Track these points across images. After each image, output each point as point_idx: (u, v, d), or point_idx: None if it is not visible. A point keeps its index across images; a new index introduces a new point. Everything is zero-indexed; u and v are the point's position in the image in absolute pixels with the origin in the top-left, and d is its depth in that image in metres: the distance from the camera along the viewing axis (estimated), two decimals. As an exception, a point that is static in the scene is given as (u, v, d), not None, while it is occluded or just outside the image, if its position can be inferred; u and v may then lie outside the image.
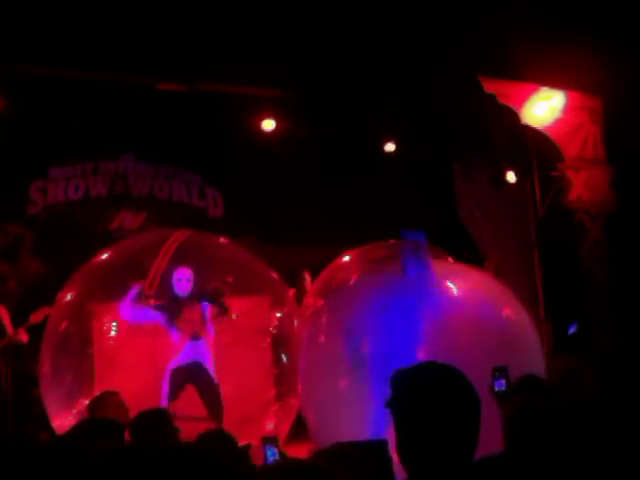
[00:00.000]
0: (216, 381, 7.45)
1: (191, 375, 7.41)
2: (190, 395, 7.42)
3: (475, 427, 2.20)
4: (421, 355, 6.10)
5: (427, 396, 2.22)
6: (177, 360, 7.44)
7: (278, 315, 7.97)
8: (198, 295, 7.62)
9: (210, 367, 7.48)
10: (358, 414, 6.08)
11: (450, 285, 6.69)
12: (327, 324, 6.85)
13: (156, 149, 10.17)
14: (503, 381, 5.00)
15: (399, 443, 2.25)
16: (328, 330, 6.77)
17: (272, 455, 4.78)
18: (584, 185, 10.24)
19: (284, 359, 7.86)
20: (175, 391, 7.26)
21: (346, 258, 7.87)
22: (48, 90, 9.07)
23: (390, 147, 10.73)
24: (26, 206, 9.89)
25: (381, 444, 5.35)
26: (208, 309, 7.62)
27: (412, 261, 6.76)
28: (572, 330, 5.03)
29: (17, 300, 8.71)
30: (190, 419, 6.22)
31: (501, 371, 5.05)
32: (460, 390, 2.23)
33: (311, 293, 7.92)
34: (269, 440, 4.91)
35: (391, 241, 7.63)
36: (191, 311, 7.53)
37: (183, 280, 7.58)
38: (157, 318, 7.53)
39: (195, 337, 7.49)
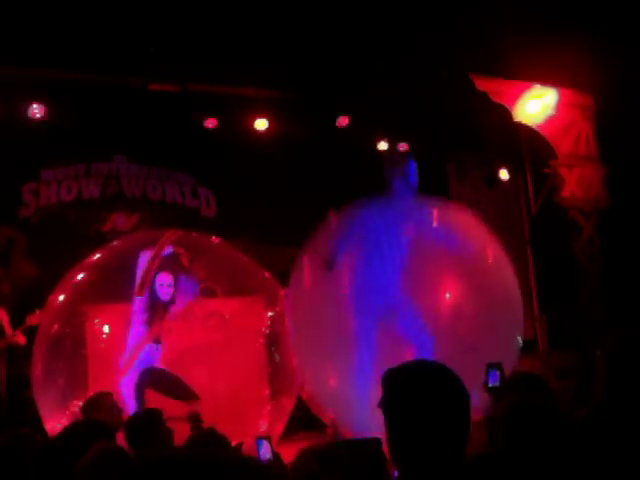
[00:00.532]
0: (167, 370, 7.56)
1: (153, 381, 7.43)
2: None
3: (466, 424, 2.22)
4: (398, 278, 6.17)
5: (418, 395, 2.23)
6: (141, 362, 7.44)
7: (270, 314, 7.96)
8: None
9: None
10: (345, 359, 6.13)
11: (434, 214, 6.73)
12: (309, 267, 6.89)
13: (149, 150, 10.15)
14: (497, 376, 4.98)
15: (391, 442, 2.26)
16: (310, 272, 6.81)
17: (265, 454, 4.77)
18: (577, 182, 10.26)
19: (277, 358, 7.86)
20: (142, 394, 7.28)
21: None
22: (40, 92, 9.06)
23: (383, 146, 10.74)
24: (19, 208, 9.86)
25: (376, 443, 5.36)
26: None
27: (398, 176, 6.77)
28: (493, 381, 4.98)
29: (11, 303, 8.67)
30: (180, 419, 6.22)
31: (494, 367, 5.03)
32: (450, 388, 2.25)
33: None
34: (262, 439, 4.91)
35: None
36: (164, 316, 7.59)
37: (165, 285, 7.62)
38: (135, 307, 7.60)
39: (157, 341, 7.56)
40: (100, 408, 5.53)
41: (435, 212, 6.76)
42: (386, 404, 2.29)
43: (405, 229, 6.51)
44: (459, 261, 6.57)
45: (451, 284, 6.65)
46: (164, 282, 7.60)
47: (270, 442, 4.92)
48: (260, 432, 5.30)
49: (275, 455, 4.91)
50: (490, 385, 4.95)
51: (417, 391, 2.24)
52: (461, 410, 2.23)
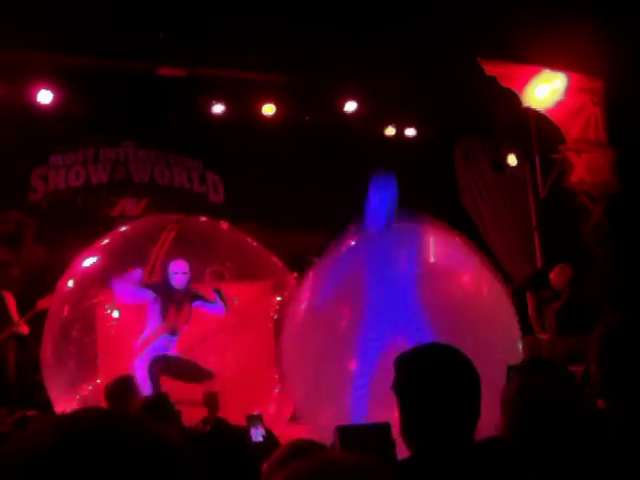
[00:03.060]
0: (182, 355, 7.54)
1: (167, 367, 7.39)
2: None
3: (476, 404, 2.25)
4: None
5: (429, 376, 2.26)
6: (154, 349, 7.39)
7: (279, 299, 7.98)
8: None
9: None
10: (340, 391, 6.11)
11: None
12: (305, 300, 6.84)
13: (157, 135, 10.17)
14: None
15: (404, 423, 2.29)
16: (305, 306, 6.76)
17: (257, 434, 4.82)
18: (586, 167, 10.22)
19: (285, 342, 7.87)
20: (157, 379, 7.23)
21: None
22: (49, 77, 9.08)
23: (391, 131, 10.73)
24: (28, 193, 9.90)
25: (384, 427, 5.38)
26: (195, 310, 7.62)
27: (375, 212, 6.72)
28: None
29: (20, 287, 8.72)
30: (187, 403, 6.24)
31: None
32: (460, 369, 2.28)
33: None
34: (254, 419, 4.95)
35: None
36: (181, 306, 7.50)
37: (179, 273, 7.51)
38: (145, 298, 7.50)
39: (173, 332, 7.47)
40: (131, 390, 5.54)
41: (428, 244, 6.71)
42: (398, 386, 2.33)
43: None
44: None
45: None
46: (178, 270, 7.53)
47: (262, 421, 4.96)
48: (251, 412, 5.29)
49: (268, 433, 4.94)
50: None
51: (428, 372, 2.28)
52: (471, 391, 2.27)
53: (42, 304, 7.88)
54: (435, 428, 2.23)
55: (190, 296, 7.56)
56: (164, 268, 7.60)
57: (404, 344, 6.03)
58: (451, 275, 6.56)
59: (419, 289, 6.25)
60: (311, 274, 6.91)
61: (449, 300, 6.27)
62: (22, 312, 8.04)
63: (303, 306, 6.67)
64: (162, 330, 7.42)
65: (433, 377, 2.27)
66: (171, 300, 7.44)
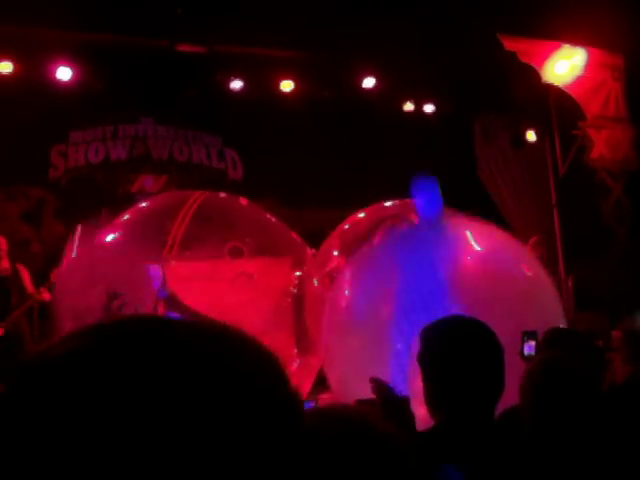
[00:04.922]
0: None
1: None
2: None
3: (499, 376, 2.27)
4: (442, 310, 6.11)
5: (453, 347, 2.28)
6: None
7: (298, 275, 8.00)
8: None
9: None
10: (378, 371, 6.11)
11: (468, 236, 6.64)
12: (349, 285, 6.85)
13: (175, 111, 10.18)
14: (532, 344, 4.98)
15: (428, 395, 2.32)
16: (350, 291, 6.78)
17: None
18: (606, 144, 10.14)
19: (304, 318, 7.91)
20: None
21: (361, 215, 7.99)
22: (68, 54, 9.09)
23: (409, 106, 10.69)
24: (48, 170, 9.96)
25: (403, 400, 5.40)
26: None
27: (424, 209, 6.69)
28: (528, 350, 4.94)
29: (41, 263, 8.78)
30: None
31: (530, 335, 5.04)
32: (485, 341, 2.30)
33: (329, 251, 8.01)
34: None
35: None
36: None
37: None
38: None
39: None
40: None
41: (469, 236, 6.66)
42: (422, 357, 2.35)
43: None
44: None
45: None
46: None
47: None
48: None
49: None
50: (526, 354, 4.95)
51: (452, 344, 2.30)
52: (494, 362, 2.28)
53: (56, 276, 7.92)
54: (458, 400, 2.26)
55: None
56: (183, 245, 7.65)
57: None
58: (492, 266, 6.52)
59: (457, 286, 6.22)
60: (351, 263, 6.95)
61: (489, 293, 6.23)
62: (36, 286, 8.08)
63: (344, 296, 6.71)
64: None
65: (456, 348, 2.29)
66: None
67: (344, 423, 1.26)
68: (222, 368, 0.70)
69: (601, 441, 2.58)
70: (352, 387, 6.26)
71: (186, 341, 0.71)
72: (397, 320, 6.06)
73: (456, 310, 5.74)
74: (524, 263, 6.62)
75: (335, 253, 8.34)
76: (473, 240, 6.43)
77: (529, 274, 6.46)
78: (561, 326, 6.12)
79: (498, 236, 6.79)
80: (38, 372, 0.68)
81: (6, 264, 8.12)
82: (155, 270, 7.48)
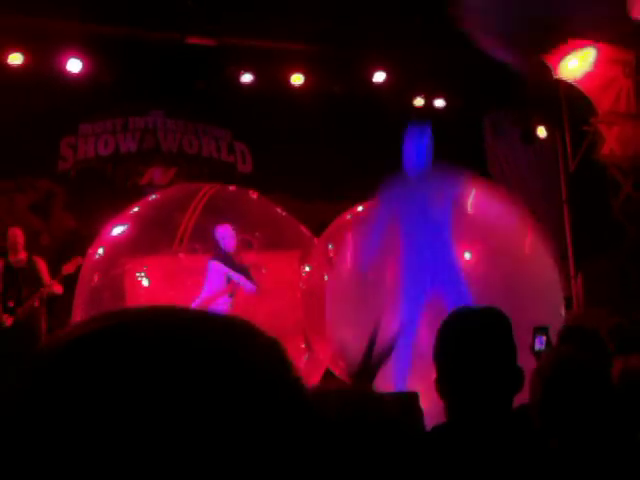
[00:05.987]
0: None
1: None
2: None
3: (514, 367, 2.25)
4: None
5: (468, 343, 2.26)
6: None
7: (307, 269, 8.00)
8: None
9: None
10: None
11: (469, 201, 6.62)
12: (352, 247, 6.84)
13: (185, 104, 10.18)
14: (543, 339, 4.97)
15: (443, 390, 2.30)
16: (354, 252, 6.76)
17: None
18: (616, 140, 10.10)
19: (313, 312, 7.90)
20: None
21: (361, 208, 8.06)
22: (78, 46, 9.09)
23: (419, 101, 10.67)
24: (57, 162, 9.96)
25: (412, 396, 5.41)
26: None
27: (411, 158, 6.68)
28: (539, 345, 4.93)
29: (50, 255, 8.79)
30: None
31: (541, 331, 5.03)
32: (499, 334, 2.28)
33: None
34: None
35: None
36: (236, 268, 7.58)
37: (227, 237, 7.55)
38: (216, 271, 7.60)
39: (231, 294, 7.55)
40: None
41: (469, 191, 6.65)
42: (438, 354, 2.33)
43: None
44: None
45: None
46: (225, 234, 7.54)
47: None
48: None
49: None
50: (536, 349, 4.94)
51: (466, 339, 2.28)
52: (509, 356, 2.27)
53: (67, 269, 7.96)
54: (471, 395, 2.24)
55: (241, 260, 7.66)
56: (194, 237, 7.65)
57: (443, 299, 6.06)
58: (491, 227, 6.51)
59: (456, 241, 6.21)
60: (350, 233, 6.94)
61: (488, 254, 6.23)
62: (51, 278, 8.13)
63: (346, 266, 6.69)
64: (224, 292, 7.49)
65: (470, 344, 2.27)
66: (232, 264, 7.51)
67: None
68: (229, 357, 0.69)
69: (613, 436, 2.56)
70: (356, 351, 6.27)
71: (192, 330, 0.70)
72: (405, 286, 6.05)
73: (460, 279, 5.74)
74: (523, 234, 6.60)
75: (330, 246, 8.30)
76: (473, 205, 6.40)
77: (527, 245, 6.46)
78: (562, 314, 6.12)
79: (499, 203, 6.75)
80: (52, 355, 0.68)
81: (22, 255, 8.17)
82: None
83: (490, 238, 6.47)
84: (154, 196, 8.51)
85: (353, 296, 6.52)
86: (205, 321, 0.73)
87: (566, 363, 2.74)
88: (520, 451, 2.19)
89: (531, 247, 6.73)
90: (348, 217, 8.50)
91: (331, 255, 7.99)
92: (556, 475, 2.26)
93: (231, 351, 0.70)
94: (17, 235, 8.19)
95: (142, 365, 0.65)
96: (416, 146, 6.65)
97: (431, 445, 2.26)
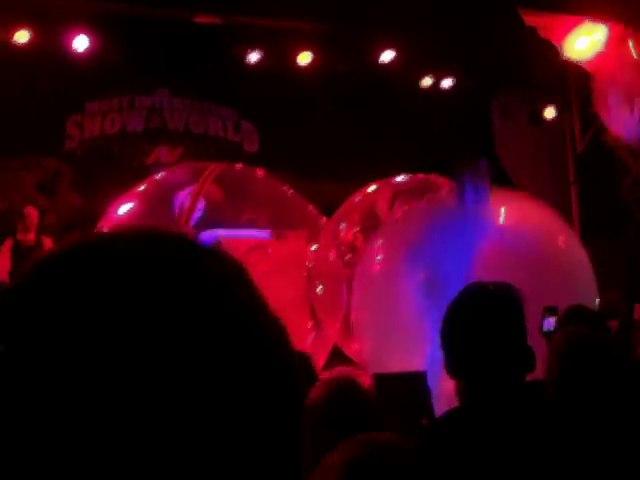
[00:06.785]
0: None
1: None
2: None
3: (524, 344, 2.22)
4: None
5: (473, 320, 2.23)
6: None
7: (313, 248, 7.98)
8: None
9: None
10: (413, 346, 6.12)
11: (504, 214, 6.59)
12: (384, 258, 6.84)
13: (192, 83, 10.14)
14: (552, 320, 4.95)
15: (450, 368, 2.27)
16: (385, 262, 6.76)
17: None
18: (626, 121, 10.02)
19: (320, 291, 7.90)
20: None
21: (372, 188, 8.00)
22: (86, 24, 9.04)
23: (427, 82, 10.61)
24: (63, 141, 9.94)
25: (420, 376, 5.42)
26: None
27: (471, 188, 6.63)
28: (548, 326, 4.91)
29: (56, 234, 8.79)
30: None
31: (551, 311, 5.01)
32: (508, 311, 2.24)
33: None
34: None
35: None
36: None
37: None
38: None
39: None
40: None
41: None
42: (443, 331, 2.29)
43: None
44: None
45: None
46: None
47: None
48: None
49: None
50: (545, 330, 4.92)
51: (471, 316, 2.25)
52: (518, 334, 2.24)
53: None
54: (481, 375, 2.20)
55: None
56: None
57: None
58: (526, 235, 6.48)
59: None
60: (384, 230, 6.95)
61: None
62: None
63: (376, 263, 6.71)
64: None
65: (475, 321, 2.24)
66: None
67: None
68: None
69: (629, 413, 2.55)
70: (384, 358, 6.27)
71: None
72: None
73: None
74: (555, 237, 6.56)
75: (342, 226, 8.28)
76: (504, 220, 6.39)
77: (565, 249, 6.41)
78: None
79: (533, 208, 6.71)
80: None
81: (32, 235, 8.16)
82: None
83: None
84: (160, 174, 8.49)
85: (384, 284, 6.53)
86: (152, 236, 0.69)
87: (583, 340, 2.73)
88: (537, 426, 2.16)
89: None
90: (358, 198, 8.50)
91: (342, 235, 8.00)
92: (574, 446, 2.23)
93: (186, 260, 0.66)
94: (32, 215, 8.21)
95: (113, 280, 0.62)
96: (475, 182, 6.61)
97: (450, 427, 2.24)
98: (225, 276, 0.68)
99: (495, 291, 2.36)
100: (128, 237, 0.67)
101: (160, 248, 0.66)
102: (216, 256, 0.70)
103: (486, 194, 6.65)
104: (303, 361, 4.47)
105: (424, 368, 5.62)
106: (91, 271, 0.63)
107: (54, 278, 0.63)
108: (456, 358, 2.26)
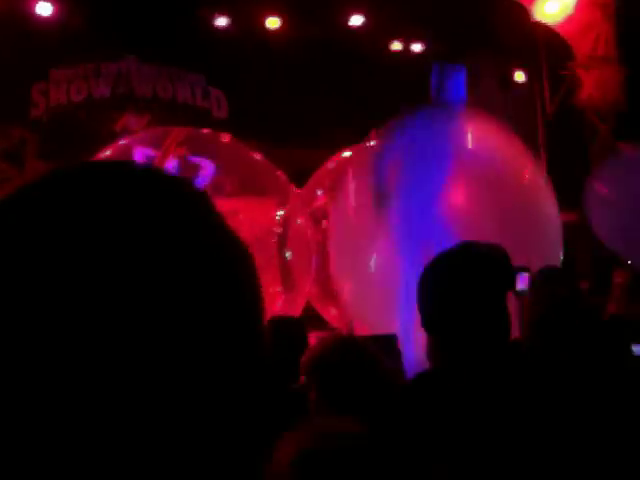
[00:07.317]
0: None
1: None
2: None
3: (502, 302, 2.20)
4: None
5: (458, 271, 2.19)
6: None
7: (282, 213, 7.95)
8: None
9: None
10: (389, 285, 6.11)
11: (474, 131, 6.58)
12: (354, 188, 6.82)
13: (158, 49, 10.00)
14: (525, 279, 4.94)
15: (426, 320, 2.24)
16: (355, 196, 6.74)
17: None
18: (595, 84, 10.02)
19: (288, 257, 7.88)
20: None
21: (346, 154, 7.95)
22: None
23: (397, 46, 10.56)
24: (29, 109, 9.79)
25: (390, 338, 5.43)
26: None
27: (445, 85, 6.61)
28: (522, 285, 4.89)
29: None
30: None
31: (523, 270, 5.00)
32: (484, 276, 2.21)
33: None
34: None
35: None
36: None
37: None
38: None
39: None
40: None
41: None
42: (419, 302, 2.26)
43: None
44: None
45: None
46: None
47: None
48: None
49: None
50: (518, 289, 4.91)
51: (463, 263, 2.21)
52: (500, 292, 2.22)
53: None
54: (459, 335, 2.18)
55: None
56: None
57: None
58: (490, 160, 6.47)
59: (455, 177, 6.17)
60: (351, 172, 6.92)
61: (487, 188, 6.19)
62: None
63: (348, 210, 6.67)
64: None
65: (461, 271, 2.20)
66: None
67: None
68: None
69: (604, 361, 2.56)
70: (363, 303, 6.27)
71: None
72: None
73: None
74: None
75: (319, 192, 8.30)
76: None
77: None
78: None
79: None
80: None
81: None
82: None
83: (489, 171, 6.42)
84: (124, 141, 8.40)
85: (358, 237, 6.50)
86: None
87: (562, 300, 2.74)
88: (515, 386, 2.14)
89: (530, 177, 6.73)
90: (332, 164, 8.46)
91: (319, 201, 7.97)
92: (553, 406, 2.21)
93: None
94: None
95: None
96: (454, 83, 6.56)
97: (425, 388, 2.22)
98: (192, 196, 0.71)
99: (486, 251, 2.32)
100: (104, 165, 0.73)
101: (130, 171, 0.71)
102: (181, 184, 0.72)
103: (461, 95, 6.62)
104: (296, 327, 4.48)
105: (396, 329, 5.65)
106: (71, 191, 0.66)
107: (35, 201, 0.66)
108: (435, 313, 2.23)
